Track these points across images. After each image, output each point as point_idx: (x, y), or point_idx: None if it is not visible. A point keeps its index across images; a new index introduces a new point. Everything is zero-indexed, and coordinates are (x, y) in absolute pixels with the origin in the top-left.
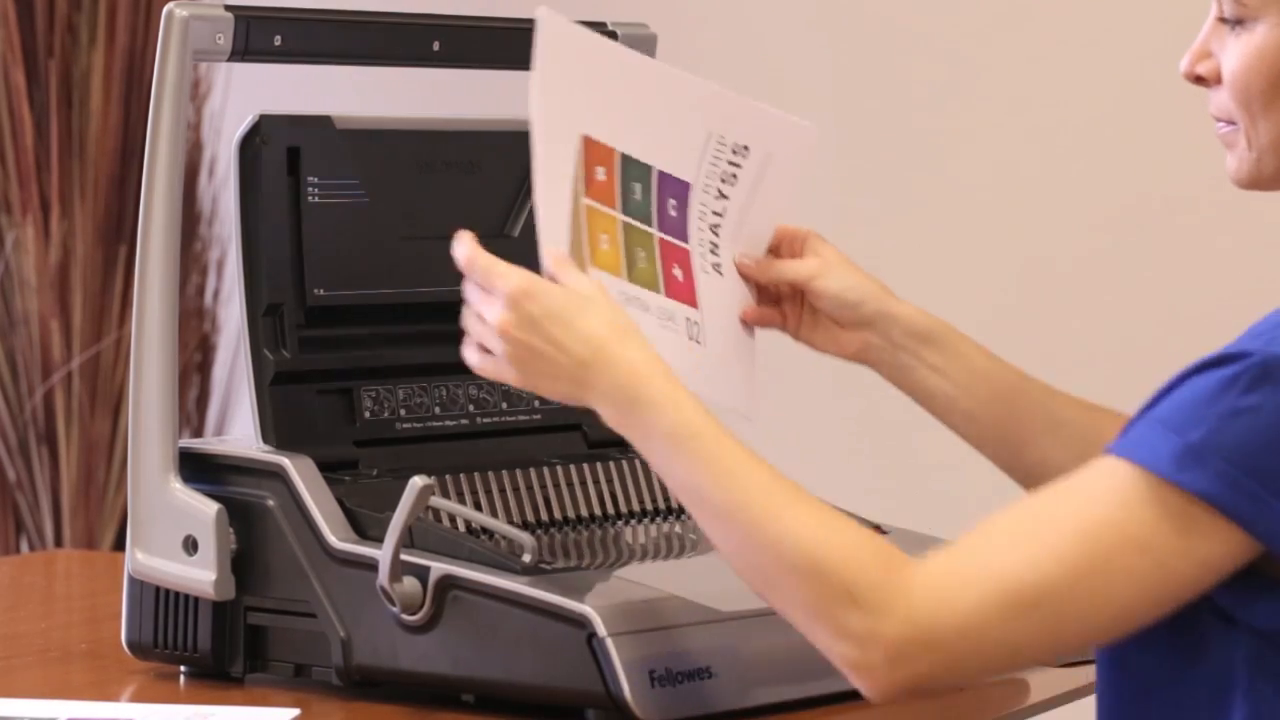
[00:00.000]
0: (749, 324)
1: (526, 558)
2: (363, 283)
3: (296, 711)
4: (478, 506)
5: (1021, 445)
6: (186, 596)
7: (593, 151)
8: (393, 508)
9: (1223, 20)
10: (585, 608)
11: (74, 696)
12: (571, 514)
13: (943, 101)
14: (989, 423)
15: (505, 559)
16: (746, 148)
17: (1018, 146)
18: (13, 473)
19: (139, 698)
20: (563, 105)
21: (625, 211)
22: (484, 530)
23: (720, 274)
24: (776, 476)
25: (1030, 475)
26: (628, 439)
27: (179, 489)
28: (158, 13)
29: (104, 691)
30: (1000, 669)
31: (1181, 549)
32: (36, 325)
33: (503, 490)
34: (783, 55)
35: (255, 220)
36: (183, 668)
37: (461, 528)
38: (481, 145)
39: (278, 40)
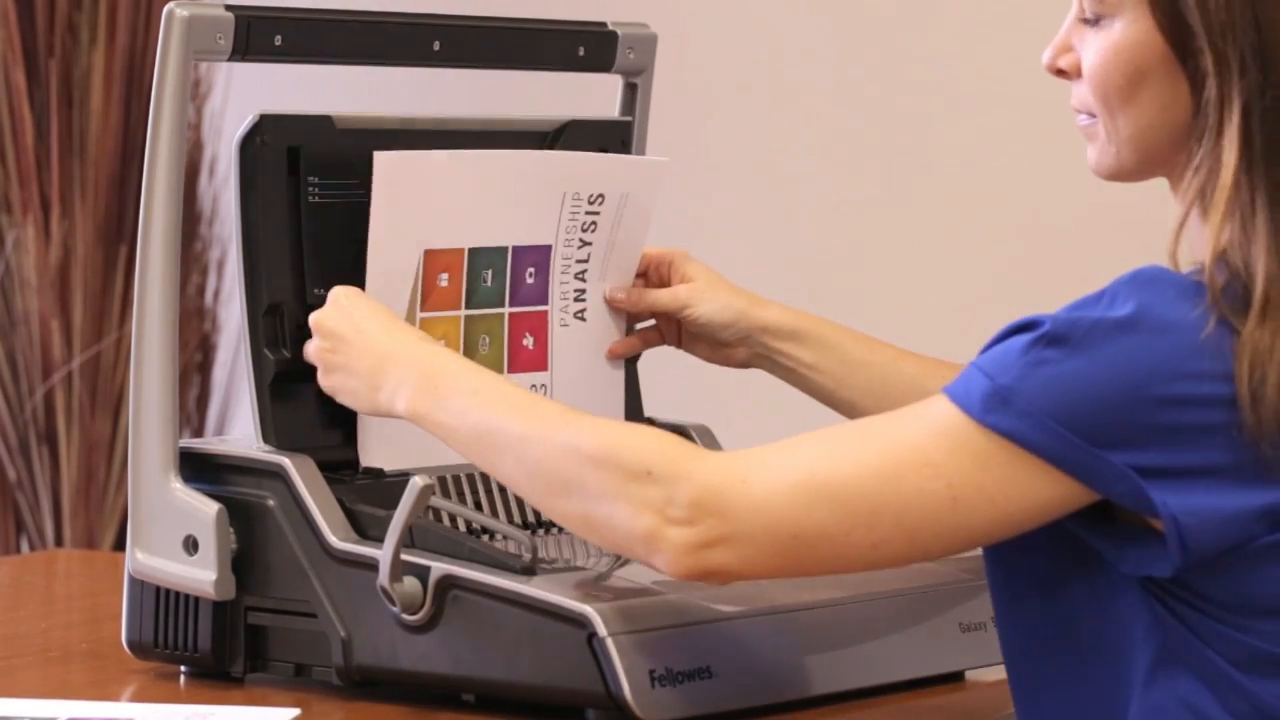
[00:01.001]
0: (619, 356)
1: (527, 558)
2: (363, 282)
3: (297, 711)
4: (478, 506)
5: None
6: (187, 596)
7: (435, 261)
8: (393, 507)
9: (1083, 19)
10: (585, 608)
11: (74, 696)
12: None
13: (942, 100)
14: (869, 407)
15: (505, 559)
16: (601, 195)
17: (1017, 142)
18: (13, 472)
19: (139, 697)
20: (399, 231)
21: (470, 305)
22: (484, 530)
23: (584, 319)
24: (570, 407)
25: None
26: (421, 417)
27: (179, 489)
28: (158, 12)
29: (104, 691)
30: (791, 558)
31: (975, 484)
32: (37, 325)
33: (503, 490)
34: (783, 55)
35: (256, 220)
36: (183, 667)
37: (462, 528)
38: (481, 144)
39: (278, 40)
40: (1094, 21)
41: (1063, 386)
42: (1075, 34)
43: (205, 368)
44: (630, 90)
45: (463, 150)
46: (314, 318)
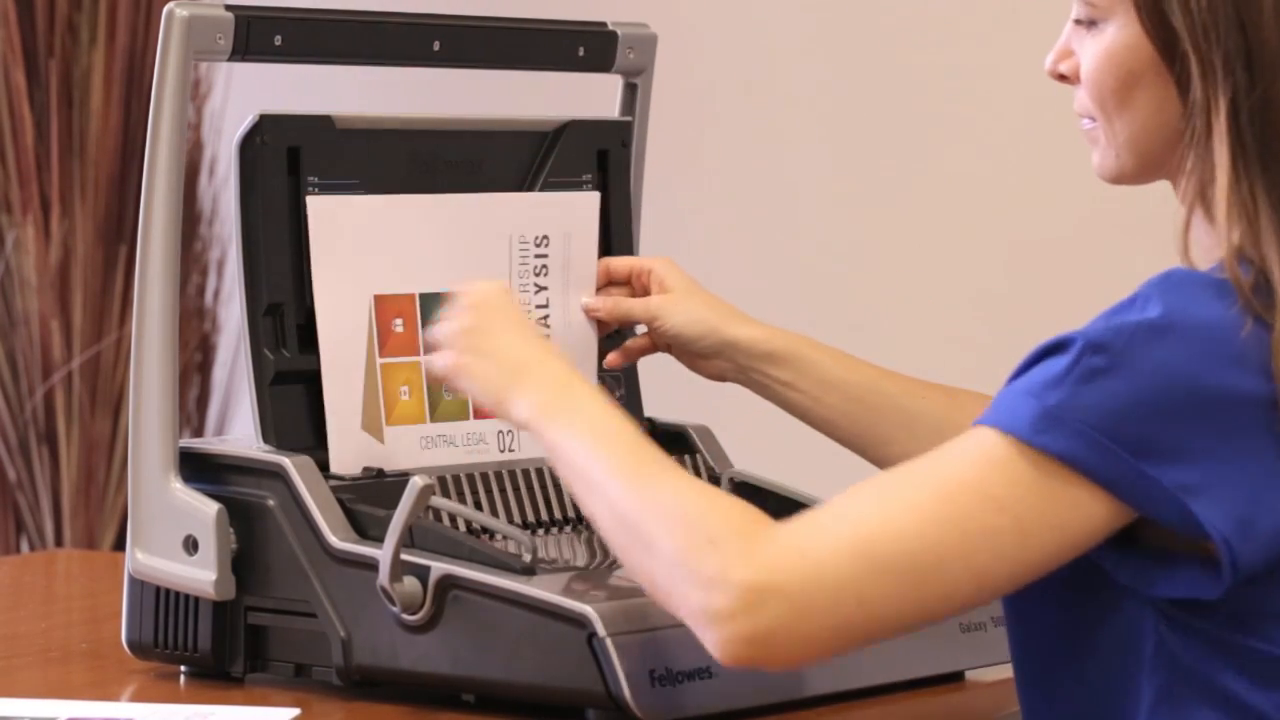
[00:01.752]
0: (616, 367)
1: (526, 558)
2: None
3: (297, 711)
4: (478, 506)
5: (882, 444)
6: (187, 596)
7: (387, 307)
8: (393, 508)
9: (1078, 22)
10: (585, 608)
11: (74, 696)
12: (572, 514)
13: (943, 101)
14: (847, 427)
15: (505, 559)
16: (545, 237)
17: (1017, 143)
18: (13, 472)
19: (139, 697)
20: (343, 276)
21: (430, 351)
22: (484, 530)
23: None
24: (673, 461)
25: None
26: (538, 430)
27: (179, 489)
28: (158, 12)
29: (104, 691)
30: (858, 630)
31: (1040, 510)
32: (37, 325)
33: (503, 490)
34: (782, 55)
35: (256, 220)
36: (183, 667)
37: (462, 528)
38: (481, 145)
39: (278, 40)
40: (1089, 25)
41: (1113, 399)
42: (1075, 38)
43: (205, 368)
44: (630, 90)
45: (394, 195)
46: (470, 300)
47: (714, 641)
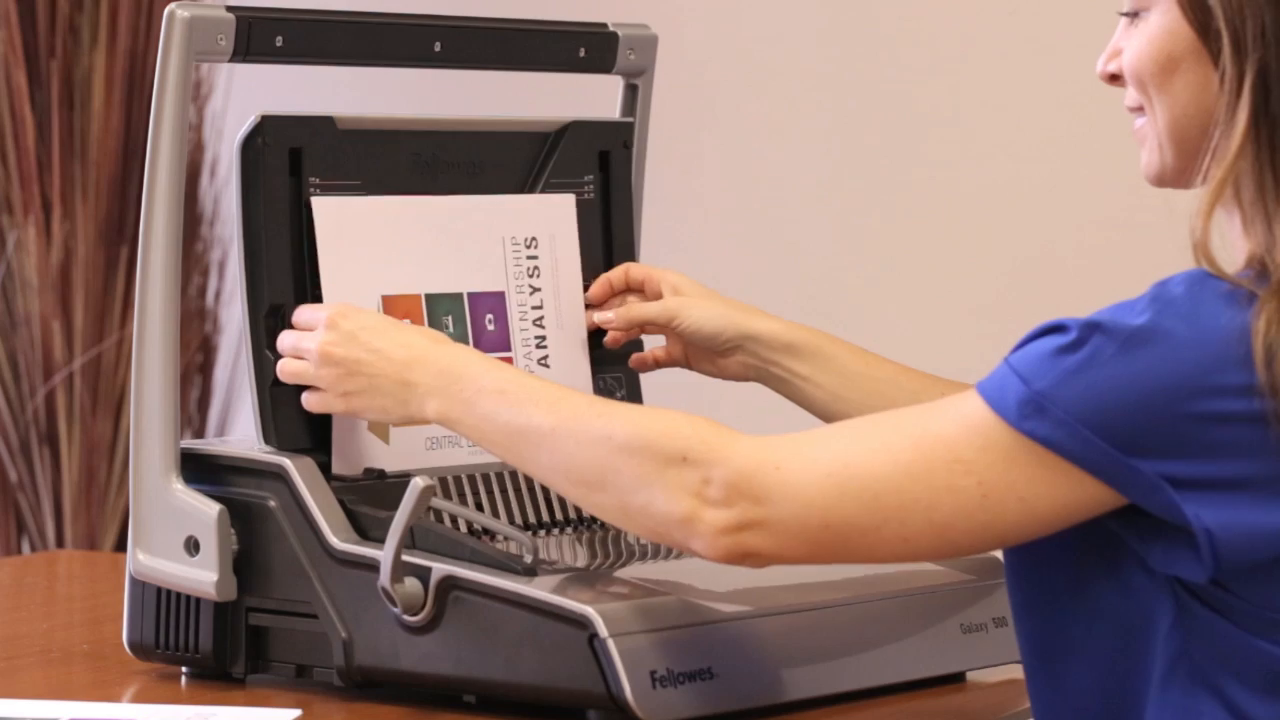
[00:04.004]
0: (635, 367)
1: (528, 559)
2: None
3: (298, 712)
4: (479, 507)
5: None
6: (188, 597)
7: (394, 307)
8: (394, 509)
9: (1125, 17)
10: (586, 608)
11: (75, 697)
12: (572, 514)
13: (944, 101)
14: None
15: (506, 560)
16: (534, 239)
17: (1020, 145)
18: (14, 473)
19: (140, 698)
20: (351, 277)
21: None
22: (485, 531)
23: (548, 366)
24: (599, 398)
25: None
26: (452, 422)
27: (180, 490)
28: (159, 13)
29: (105, 692)
30: (822, 547)
31: (1007, 483)
32: (38, 326)
33: (504, 491)
34: (782, 55)
35: (257, 221)
36: (184, 668)
37: (463, 529)
38: (482, 145)
39: (279, 41)
40: (1134, 17)
41: (1098, 394)
42: (1124, 36)
43: (206, 369)
44: (631, 91)
45: (394, 196)
46: (320, 348)
47: (701, 539)
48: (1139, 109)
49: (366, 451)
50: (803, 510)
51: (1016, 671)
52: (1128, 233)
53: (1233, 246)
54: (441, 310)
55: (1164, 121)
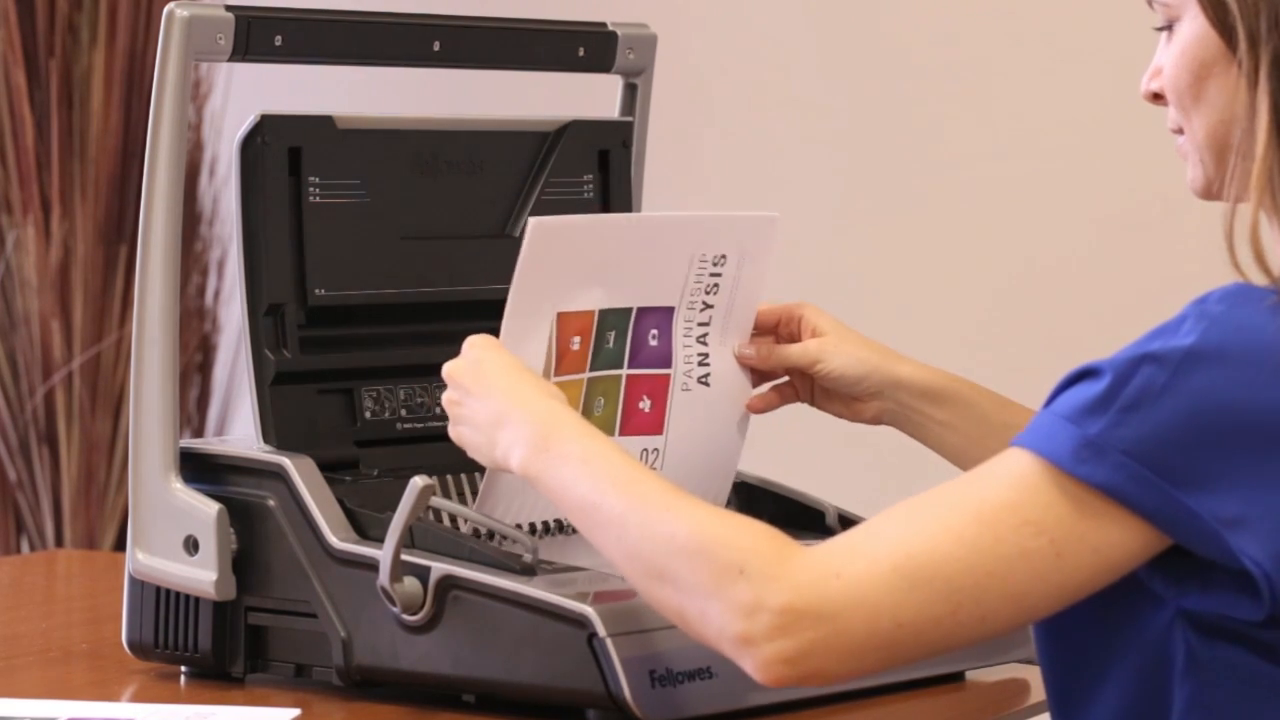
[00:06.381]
0: (759, 411)
1: (527, 558)
2: (364, 283)
3: (297, 711)
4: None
5: None
6: (187, 596)
7: (567, 324)
8: (393, 508)
9: (1159, 30)
10: (585, 608)
11: (75, 696)
12: None
13: (942, 101)
14: None
15: (506, 559)
16: (724, 256)
17: (1018, 146)
18: (13, 473)
19: (139, 698)
20: (537, 294)
21: (593, 367)
22: (485, 531)
23: (708, 384)
24: (675, 487)
25: None
26: (532, 478)
27: (180, 489)
28: (158, 13)
29: (104, 691)
30: (895, 650)
31: (1078, 535)
32: (37, 325)
33: None
34: (782, 55)
35: (256, 220)
36: (183, 668)
37: (462, 528)
38: (482, 145)
39: (278, 40)
40: (1167, 30)
41: (1155, 429)
42: (1163, 53)
43: (206, 368)
44: (630, 91)
45: (610, 215)
46: (446, 368)
47: (754, 666)
48: (1179, 130)
49: (516, 497)
50: (872, 614)
51: (1016, 671)
52: (1129, 234)
53: (1269, 251)
54: (608, 326)
55: (1202, 133)
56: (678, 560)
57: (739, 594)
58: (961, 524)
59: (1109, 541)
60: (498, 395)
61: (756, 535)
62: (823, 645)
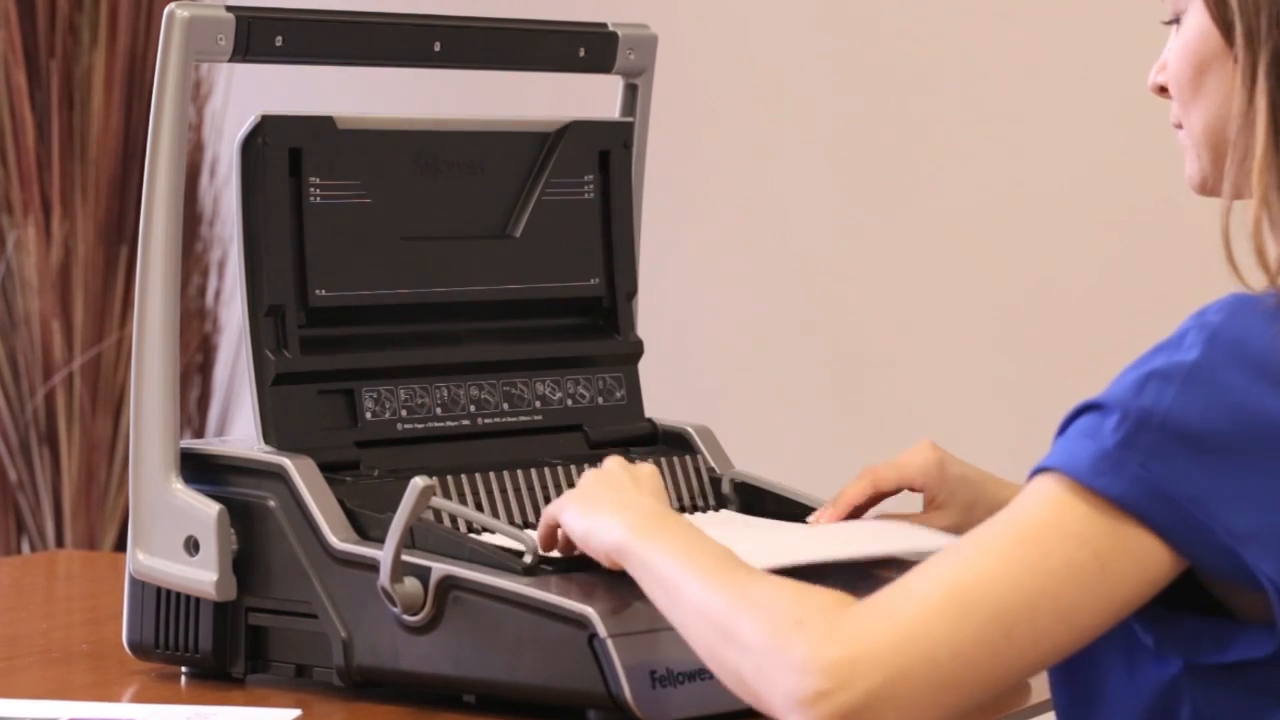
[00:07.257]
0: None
1: (527, 558)
2: (364, 283)
3: (298, 712)
4: (479, 507)
5: None
6: (188, 597)
7: None
8: (394, 508)
9: (1167, 24)
10: (586, 608)
11: (75, 697)
12: None
13: (943, 103)
14: None
15: (506, 559)
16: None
17: (1021, 149)
18: (14, 473)
19: (140, 698)
20: None
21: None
22: (485, 531)
23: None
24: (762, 570)
25: None
26: (631, 545)
27: (180, 489)
28: (159, 13)
29: (105, 692)
30: (958, 686)
31: (1120, 545)
32: (38, 326)
33: (504, 491)
34: (783, 55)
35: (257, 221)
36: (184, 668)
37: (463, 528)
38: (483, 145)
39: (279, 41)
40: (1175, 24)
41: (1163, 446)
42: (1170, 49)
43: (206, 368)
44: (631, 91)
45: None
46: (599, 467)
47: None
48: (1179, 125)
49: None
50: (929, 647)
51: None
52: (1130, 236)
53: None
54: None
55: (1199, 128)
56: (743, 617)
57: (794, 649)
58: (1004, 547)
59: (1140, 555)
60: (631, 490)
61: (819, 593)
62: (884, 693)
